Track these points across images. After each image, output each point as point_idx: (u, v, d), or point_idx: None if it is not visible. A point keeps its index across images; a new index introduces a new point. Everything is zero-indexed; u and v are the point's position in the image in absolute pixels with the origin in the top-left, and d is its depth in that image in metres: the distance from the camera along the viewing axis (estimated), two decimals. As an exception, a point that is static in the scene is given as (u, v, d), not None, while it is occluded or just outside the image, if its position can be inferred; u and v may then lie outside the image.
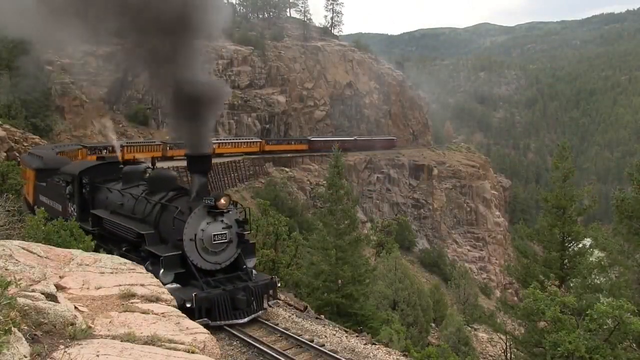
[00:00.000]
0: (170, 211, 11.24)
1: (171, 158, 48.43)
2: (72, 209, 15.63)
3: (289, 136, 74.04)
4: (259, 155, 61.77)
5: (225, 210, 10.81)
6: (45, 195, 18.63)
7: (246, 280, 11.03)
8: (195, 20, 10.30)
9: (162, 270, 10.23)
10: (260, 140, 63.30)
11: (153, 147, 50.22)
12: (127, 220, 12.46)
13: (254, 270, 11.75)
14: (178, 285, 10.31)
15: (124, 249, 12.41)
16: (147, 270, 9.80)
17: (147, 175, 13.99)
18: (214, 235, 10.73)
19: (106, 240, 13.46)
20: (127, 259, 11.10)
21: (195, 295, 9.75)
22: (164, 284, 8.45)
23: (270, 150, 63.31)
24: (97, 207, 14.71)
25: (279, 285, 12.26)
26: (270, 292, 11.43)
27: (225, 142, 59.14)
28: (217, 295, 10.15)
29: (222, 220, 10.89)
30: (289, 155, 65.70)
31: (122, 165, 15.77)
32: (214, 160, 51.19)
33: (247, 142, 61.56)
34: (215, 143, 56.64)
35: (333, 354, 9.66)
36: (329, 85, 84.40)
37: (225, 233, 10.91)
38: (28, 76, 48.46)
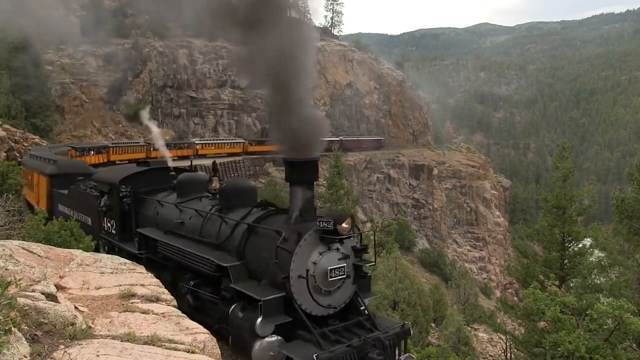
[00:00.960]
0: (264, 236, 8.46)
1: (155, 159, 48.14)
2: (108, 225, 12.92)
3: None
4: (243, 156, 60.35)
5: (345, 236, 8.02)
6: (68, 206, 16.11)
7: (372, 330, 8.14)
8: None
9: (259, 320, 7.41)
10: (243, 140, 61.96)
11: (136, 147, 48.78)
12: (193, 245, 9.62)
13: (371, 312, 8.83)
14: (280, 338, 7.55)
15: (191, 283, 9.58)
16: (233, 316, 7.94)
17: (213, 185, 11.13)
18: (330, 269, 7.98)
19: (159, 267, 10.68)
20: (194, 295, 9.37)
21: (316, 357, 7.13)
22: (261, 337, 7.18)
23: (254, 151, 61.20)
24: (143, 224, 11.82)
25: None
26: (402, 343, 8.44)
27: (209, 143, 57.71)
28: (344, 356, 7.46)
29: (337, 249, 8.12)
30: (273, 156, 64.26)
31: (172, 172, 13.08)
32: (203, 162, 51.27)
33: (231, 142, 60.34)
34: (198, 143, 55.83)
35: None
36: (329, 85, 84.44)
37: (343, 266, 8.14)
38: (28, 76, 48.50)
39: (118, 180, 12.33)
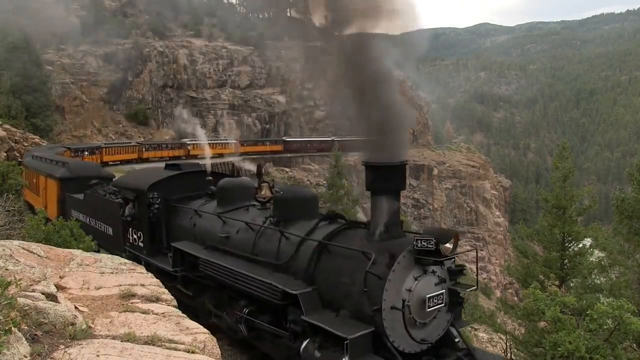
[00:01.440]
0: (343, 257, 6.88)
1: (147, 160, 46.86)
2: (133, 236, 11.27)
3: (290, 135, 74.01)
4: (243, 157, 59.54)
5: (447, 257, 6.63)
6: (84, 212, 14.61)
7: None
8: None
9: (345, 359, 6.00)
10: (235, 141, 61.17)
11: (129, 148, 47.84)
12: (246, 265, 8.00)
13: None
14: None
15: (245, 310, 8.03)
16: (307, 356, 6.53)
17: (262, 192, 9.36)
18: (428, 297, 6.56)
19: (199, 287, 9.39)
20: (249, 325, 7.90)
21: None
22: None
23: (245, 152, 59.98)
24: (176, 236, 10.31)
25: None
26: None
27: (201, 143, 57.47)
28: None
29: (434, 272, 6.74)
30: (266, 156, 62.18)
31: (209, 177, 11.62)
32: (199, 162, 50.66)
33: (222, 143, 59.55)
34: (189, 144, 54.89)
35: None
36: (329, 85, 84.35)
37: (441, 293, 6.75)
38: (28, 76, 48.51)
39: (147, 187, 10.71)
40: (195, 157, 52.21)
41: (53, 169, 18.69)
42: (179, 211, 10.61)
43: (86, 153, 39.99)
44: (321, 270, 7.06)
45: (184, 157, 50.33)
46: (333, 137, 71.59)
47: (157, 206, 10.83)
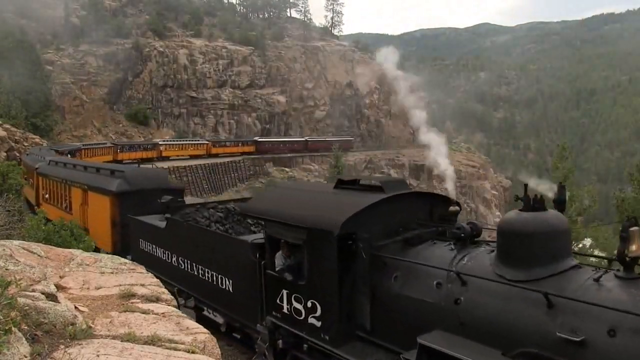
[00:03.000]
0: None
1: (120, 162, 45.17)
2: (297, 306, 6.87)
3: (290, 136, 74.03)
4: (244, 157, 58.61)
5: None
6: (167, 248, 10.18)
7: None
8: None
9: None
10: (207, 142, 60.33)
11: (104, 149, 45.59)
12: None
13: None
14: None
15: None
16: None
17: (634, 246, 4.59)
18: None
19: None
20: None
21: None
22: None
23: (217, 153, 59.03)
24: (397, 315, 5.99)
25: None
26: None
27: (173, 144, 55.72)
28: None
29: None
30: (238, 158, 60.33)
31: (457, 207, 6.89)
32: (192, 163, 49.38)
33: (194, 144, 58.63)
34: (162, 144, 53.70)
35: None
36: (329, 85, 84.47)
37: None
38: (28, 76, 48.56)
39: (338, 225, 6.11)
40: (167, 158, 51.14)
41: (100, 180, 14.39)
42: (399, 268, 6.04)
43: (68, 156, 38.73)
44: None
45: (155, 159, 49.10)
46: (307, 138, 70.78)
47: (353, 258, 6.26)
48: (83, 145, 43.57)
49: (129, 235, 11.80)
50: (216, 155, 58.18)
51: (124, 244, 11.99)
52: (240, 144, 63.44)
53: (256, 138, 65.89)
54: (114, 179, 13.60)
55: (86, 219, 14.63)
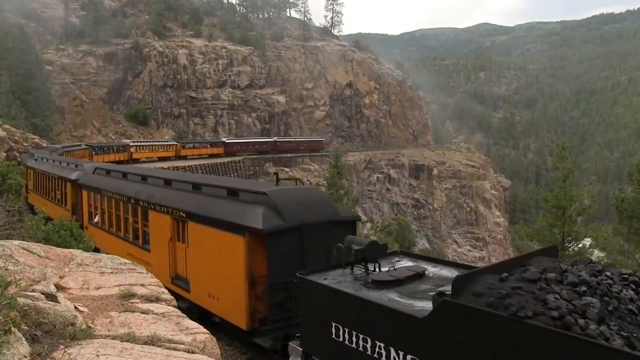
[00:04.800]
0: None
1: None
2: None
3: (290, 136, 74.01)
4: (174, 160, 55.30)
5: None
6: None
7: None
8: None
9: None
10: (176, 143, 58.93)
11: (82, 152, 43.34)
12: None
13: None
14: None
15: None
16: None
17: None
18: None
19: None
20: None
21: None
22: None
23: (186, 155, 57.60)
24: None
25: None
26: None
27: (143, 146, 54.40)
28: None
29: None
30: (205, 160, 57.99)
31: None
32: (184, 163, 48.15)
33: (164, 145, 57.21)
34: (132, 146, 52.24)
35: None
36: (329, 85, 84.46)
37: None
38: (28, 76, 48.55)
39: None
40: (137, 160, 49.55)
41: (218, 206, 9.51)
42: None
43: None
44: None
45: (125, 162, 47.03)
46: (275, 139, 69.84)
47: None
48: (63, 147, 41.07)
49: (299, 308, 6.94)
50: (185, 157, 56.80)
51: (276, 319, 7.99)
52: (208, 146, 62.55)
53: (224, 139, 64.95)
54: (254, 207, 8.73)
55: (185, 266, 10.01)
